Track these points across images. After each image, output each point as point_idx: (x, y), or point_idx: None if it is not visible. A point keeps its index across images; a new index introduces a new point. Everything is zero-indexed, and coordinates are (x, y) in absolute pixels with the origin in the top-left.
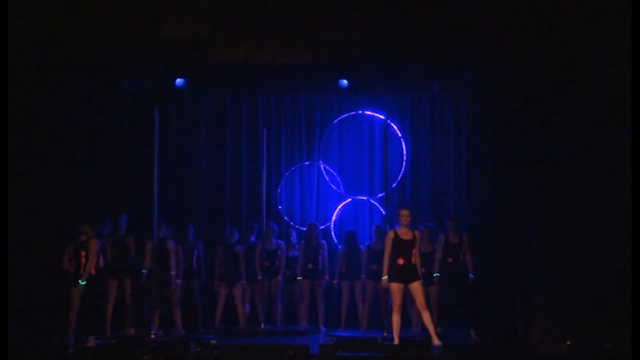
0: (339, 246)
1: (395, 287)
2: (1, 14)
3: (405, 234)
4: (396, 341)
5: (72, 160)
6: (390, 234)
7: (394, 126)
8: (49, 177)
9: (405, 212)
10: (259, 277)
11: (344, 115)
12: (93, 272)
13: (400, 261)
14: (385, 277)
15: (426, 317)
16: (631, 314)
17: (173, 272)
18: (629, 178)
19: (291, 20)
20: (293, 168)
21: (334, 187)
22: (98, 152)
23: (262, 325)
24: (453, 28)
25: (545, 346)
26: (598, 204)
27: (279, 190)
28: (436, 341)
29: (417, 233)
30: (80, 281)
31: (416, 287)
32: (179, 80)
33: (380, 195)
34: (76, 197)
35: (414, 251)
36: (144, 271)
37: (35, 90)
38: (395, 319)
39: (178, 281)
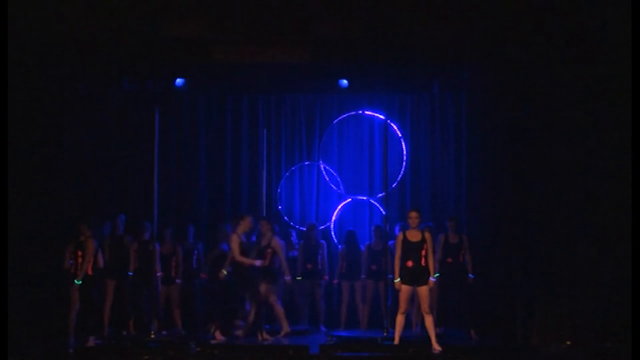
0: (339, 246)
1: (403, 289)
2: (1, 14)
3: (414, 236)
4: (396, 341)
5: (72, 160)
6: (400, 236)
7: (394, 126)
8: (49, 177)
9: (413, 214)
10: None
11: (344, 115)
12: (90, 272)
13: (410, 263)
14: (397, 280)
15: (428, 322)
16: (631, 314)
17: (159, 274)
18: (629, 178)
19: (291, 20)
20: (293, 168)
21: (334, 187)
22: (98, 152)
23: (262, 325)
24: (453, 28)
25: (545, 346)
26: (598, 204)
27: (279, 190)
28: (436, 347)
29: (427, 235)
30: (75, 281)
31: (423, 291)
32: (179, 80)
33: (380, 195)
34: (76, 197)
35: (423, 252)
36: (130, 274)
37: (35, 90)
38: (399, 319)
39: (178, 281)
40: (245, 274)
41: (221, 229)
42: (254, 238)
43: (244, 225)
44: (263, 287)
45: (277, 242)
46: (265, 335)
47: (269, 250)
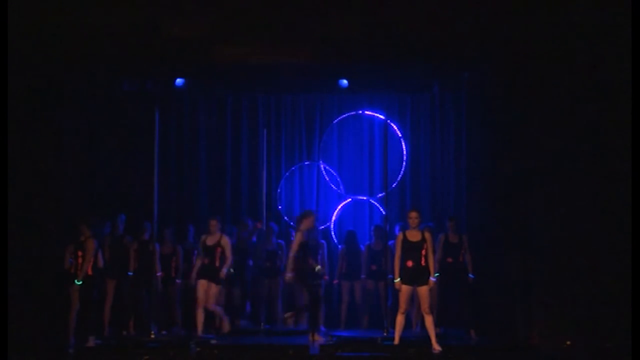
0: (339, 246)
1: (403, 289)
2: (1, 13)
3: (413, 235)
4: (396, 341)
5: (72, 160)
6: (400, 236)
7: (394, 126)
8: (49, 177)
9: (413, 214)
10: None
11: (344, 115)
12: (90, 272)
13: (409, 263)
14: (397, 280)
15: (428, 322)
16: (631, 314)
17: (159, 274)
18: (629, 177)
19: (291, 19)
20: (293, 168)
21: (334, 187)
22: (98, 152)
23: (262, 325)
24: (453, 28)
25: (545, 346)
26: (598, 204)
27: (279, 190)
28: (436, 347)
29: (427, 235)
30: (76, 281)
31: (423, 291)
32: (179, 80)
33: (380, 195)
34: (76, 197)
35: (423, 252)
36: (129, 273)
37: (35, 90)
38: (399, 319)
39: (178, 281)
40: (305, 270)
41: (242, 222)
42: (254, 239)
43: (307, 222)
44: (204, 286)
45: (227, 241)
46: (316, 337)
47: (218, 249)
